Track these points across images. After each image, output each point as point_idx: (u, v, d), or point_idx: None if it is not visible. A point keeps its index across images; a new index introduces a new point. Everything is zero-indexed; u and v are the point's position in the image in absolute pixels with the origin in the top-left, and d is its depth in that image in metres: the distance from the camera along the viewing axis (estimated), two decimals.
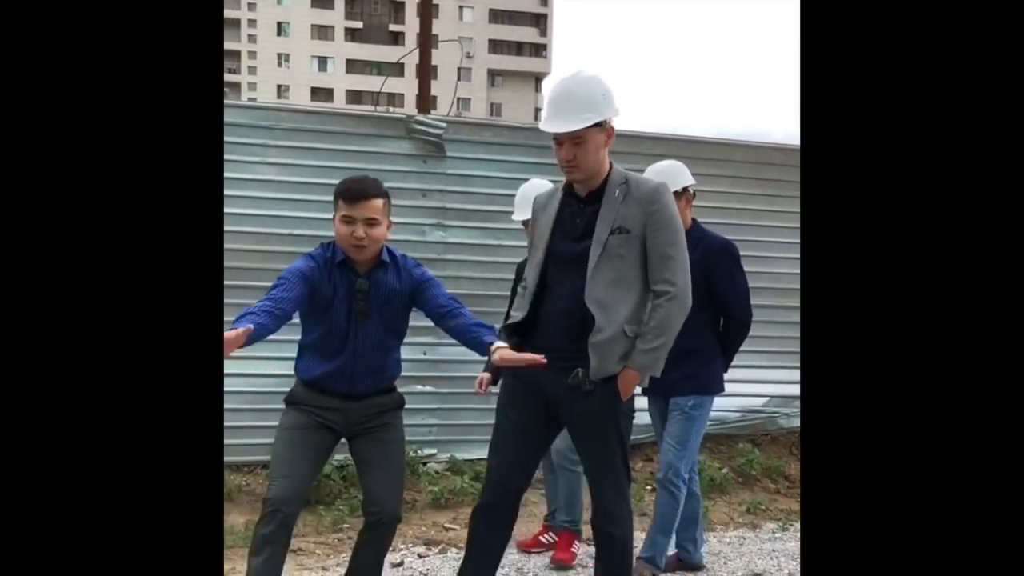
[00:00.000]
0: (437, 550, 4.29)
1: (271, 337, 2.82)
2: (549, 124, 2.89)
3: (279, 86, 63.64)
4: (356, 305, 3.03)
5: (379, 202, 2.99)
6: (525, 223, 3.85)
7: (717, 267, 3.73)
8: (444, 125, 5.34)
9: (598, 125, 2.85)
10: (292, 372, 3.22)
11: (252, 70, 64.61)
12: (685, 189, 3.84)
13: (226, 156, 4.99)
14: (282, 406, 3.18)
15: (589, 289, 2.83)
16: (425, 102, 6.00)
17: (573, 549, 4.20)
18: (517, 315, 2.99)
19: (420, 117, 5.41)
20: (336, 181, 3.11)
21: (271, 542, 2.90)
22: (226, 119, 5.08)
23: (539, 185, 3.96)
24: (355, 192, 2.97)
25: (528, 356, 2.75)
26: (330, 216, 3.07)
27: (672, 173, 3.83)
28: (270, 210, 5.07)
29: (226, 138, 5.05)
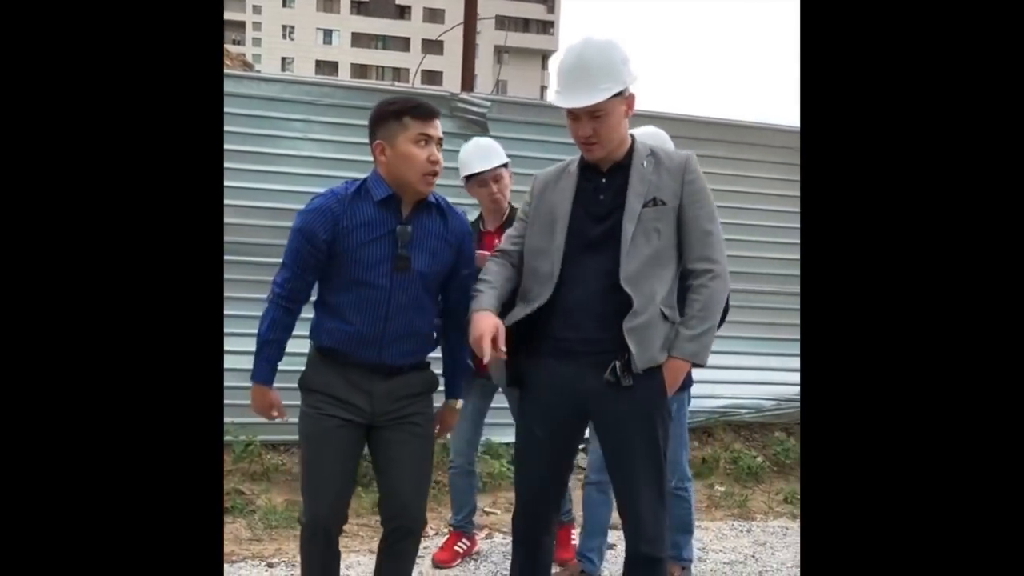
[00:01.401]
0: (483, 535, 4.25)
1: (305, 314, 2.67)
2: (563, 98, 2.54)
3: (283, 58, 63.17)
4: (396, 254, 2.58)
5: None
6: (468, 178, 3.66)
7: None
8: (488, 104, 5.26)
9: (619, 95, 2.54)
10: None
11: (256, 41, 64.11)
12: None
13: (266, 131, 4.99)
14: None
15: (624, 268, 2.50)
16: (469, 80, 5.92)
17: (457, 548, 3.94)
18: (534, 304, 2.60)
19: (464, 95, 5.33)
20: None
21: (322, 558, 2.70)
22: (266, 92, 5.04)
23: (486, 145, 3.71)
24: (429, 109, 2.57)
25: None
26: None
27: (659, 138, 3.54)
28: (312, 186, 5.00)
29: (266, 112, 5.01)
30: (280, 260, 2.66)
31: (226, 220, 4.81)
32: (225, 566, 3.73)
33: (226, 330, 5.14)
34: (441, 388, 2.91)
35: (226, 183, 4.84)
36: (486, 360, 2.46)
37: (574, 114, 2.54)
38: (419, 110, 2.55)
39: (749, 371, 5.82)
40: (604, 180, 2.61)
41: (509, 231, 2.79)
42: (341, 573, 2.81)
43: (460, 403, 2.93)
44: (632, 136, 2.66)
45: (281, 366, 2.72)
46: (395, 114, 2.55)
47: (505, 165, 3.69)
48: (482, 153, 3.66)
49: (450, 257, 2.69)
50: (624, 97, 2.56)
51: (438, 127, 2.59)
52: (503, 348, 2.45)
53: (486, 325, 2.48)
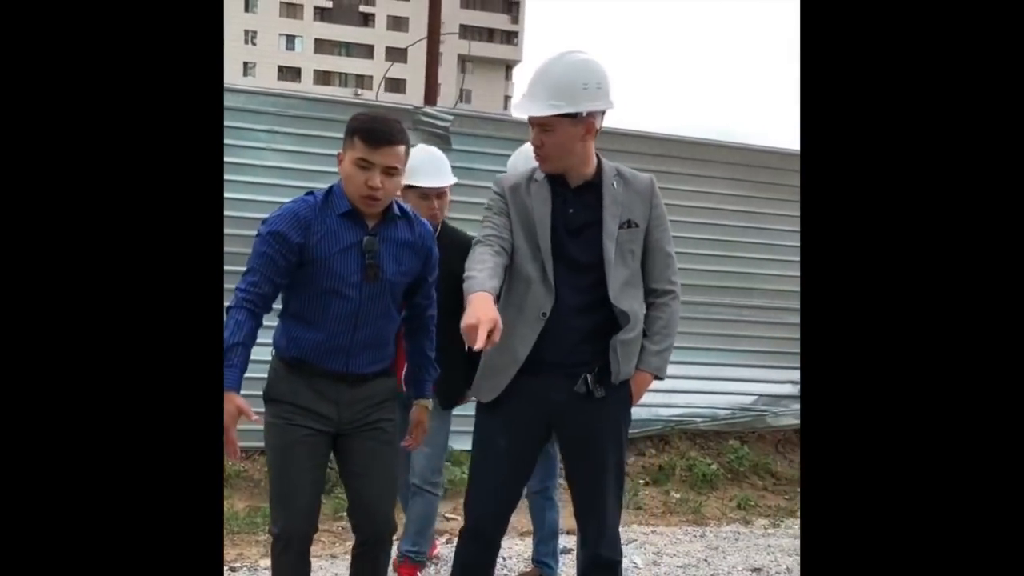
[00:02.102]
0: (443, 540, 4.33)
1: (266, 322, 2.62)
2: (518, 104, 2.58)
3: (245, 63, 62.75)
4: (365, 264, 2.59)
5: (401, 149, 2.56)
6: (410, 186, 3.36)
7: None
8: (451, 118, 5.35)
9: (571, 116, 2.51)
10: None
11: None
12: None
13: (230, 141, 5.02)
14: None
15: (611, 287, 2.57)
16: (432, 92, 6.00)
17: None
18: (541, 317, 2.58)
19: (427, 109, 5.42)
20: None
21: (295, 569, 2.72)
22: (229, 104, 5.08)
23: (440, 160, 3.52)
24: (381, 135, 2.52)
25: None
26: None
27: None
28: (274, 196, 5.05)
29: (229, 123, 5.05)
30: (243, 268, 2.63)
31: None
32: None
33: None
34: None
35: None
36: (476, 348, 2.23)
37: (529, 121, 2.57)
38: (369, 135, 2.52)
39: (705, 381, 5.98)
40: (573, 195, 2.63)
41: (493, 219, 2.67)
42: None
43: (430, 402, 2.96)
44: (598, 156, 2.68)
45: (250, 374, 2.74)
46: (350, 131, 2.56)
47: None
48: (435, 168, 3.50)
49: (417, 265, 2.73)
50: (580, 121, 2.53)
51: (389, 155, 2.53)
52: (495, 340, 2.28)
53: (485, 313, 2.26)
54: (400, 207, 2.72)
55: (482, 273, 2.45)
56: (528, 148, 3.34)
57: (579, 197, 2.63)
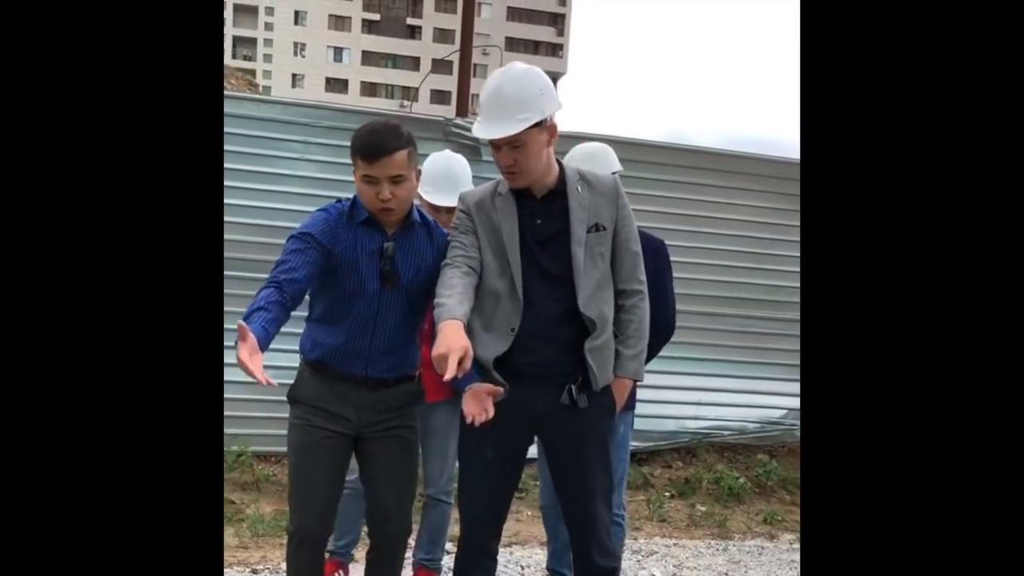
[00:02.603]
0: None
1: (293, 328, 2.61)
2: (482, 129, 2.56)
3: (294, 75, 63.72)
4: (382, 270, 2.65)
5: (403, 155, 2.55)
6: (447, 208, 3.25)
7: (649, 268, 3.11)
8: None
9: (537, 125, 2.53)
10: None
11: (268, 58, 64.67)
12: (613, 175, 3.34)
13: (269, 152, 5.14)
14: None
15: (581, 294, 2.58)
16: (464, 104, 6.08)
17: None
18: (508, 332, 2.59)
19: (458, 120, 5.49)
20: None
21: (308, 568, 2.76)
22: (266, 114, 5.20)
23: (456, 179, 3.43)
24: (373, 148, 2.54)
25: (489, 388, 2.47)
26: None
27: (604, 157, 3.46)
28: (307, 205, 5.14)
29: (267, 134, 5.17)
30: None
31: (224, 237, 4.99)
32: None
33: (224, 343, 5.23)
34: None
35: (226, 202, 5.02)
36: (447, 377, 2.29)
37: (495, 144, 2.55)
38: (365, 150, 2.55)
39: (734, 393, 5.95)
40: (539, 205, 2.63)
41: (459, 239, 2.68)
42: None
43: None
44: (559, 162, 2.68)
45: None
46: (352, 149, 2.59)
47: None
48: (448, 184, 3.40)
49: (436, 272, 2.69)
50: (545, 127, 2.56)
51: (388, 165, 2.54)
52: (467, 367, 2.33)
53: (455, 342, 2.33)
54: (421, 214, 2.77)
55: (451, 300, 2.48)
56: (580, 151, 3.46)
57: (545, 207, 2.63)
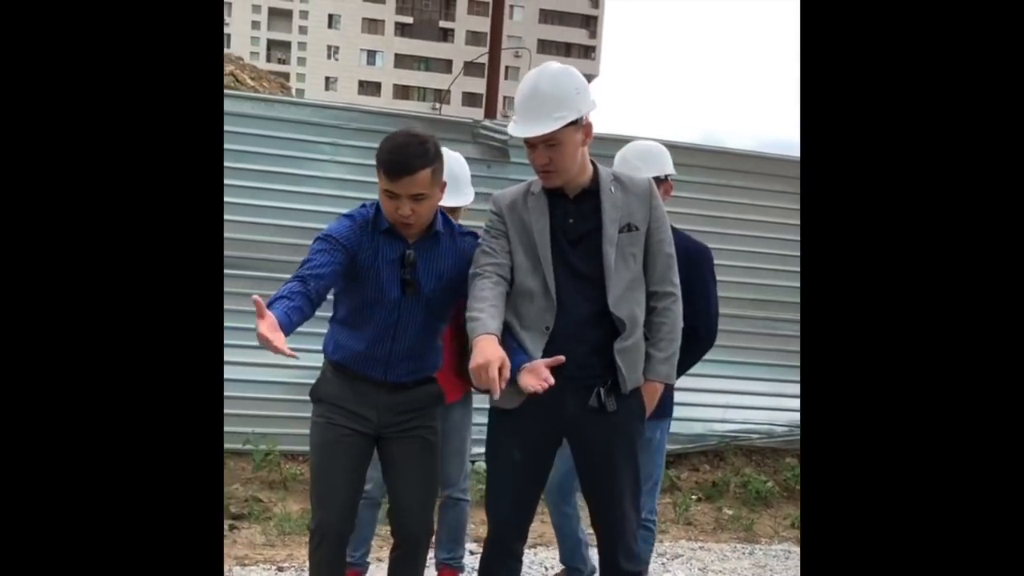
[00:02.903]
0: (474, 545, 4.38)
1: (317, 328, 2.66)
2: (518, 128, 2.57)
3: (327, 78, 64.20)
4: (402, 279, 2.67)
5: (426, 173, 2.54)
6: None
7: (694, 274, 3.15)
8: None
9: (573, 124, 2.54)
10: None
11: (302, 61, 65.22)
12: (667, 177, 3.39)
13: (298, 153, 5.19)
14: None
15: (611, 294, 2.56)
16: (492, 107, 6.11)
17: None
18: (543, 331, 2.59)
19: (486, 122, 5.51)
20: None
21: (330, 565, 2.79)
22: (297, 116, 5.25)
23: (464, 180, 3.41)
24: (396, 165, 2.53)
25: (547, 360, 2.47)
26: None
27: (658, 157, 3.39)
28: (340, 208, 5.19)
29: (298, 136, 5.22)
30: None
31: (254, 238, 5.06)
32: (237, 569, 3.89)
33: (254, 343, 5.28)
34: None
35: (256, 203, 5.09)
36: (493, 391, 2.34)
37: (531, 143, 2.56)
38: (387, 167, 2.54)
39: (763, 396, 5.91)
40: (572, 205, 2.63)
41: (489, 244, 2.69)
42: None
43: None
44: (593, 162, 2.68)
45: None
46: (377, 161, 2.58)
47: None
48: (454, 185, 3.27)
49: (459, 279, 2.73)
50: (580, 125, 2.57)
51: (410, 184, 2.54)
52: (507, 376, 2.37)
53: (493, 353, 2.37)
54: (445, 219, 2.77)
55: (484, 313, 2.49)
56: (630, 150, 3.43)
57: (578, 206, 2.63)
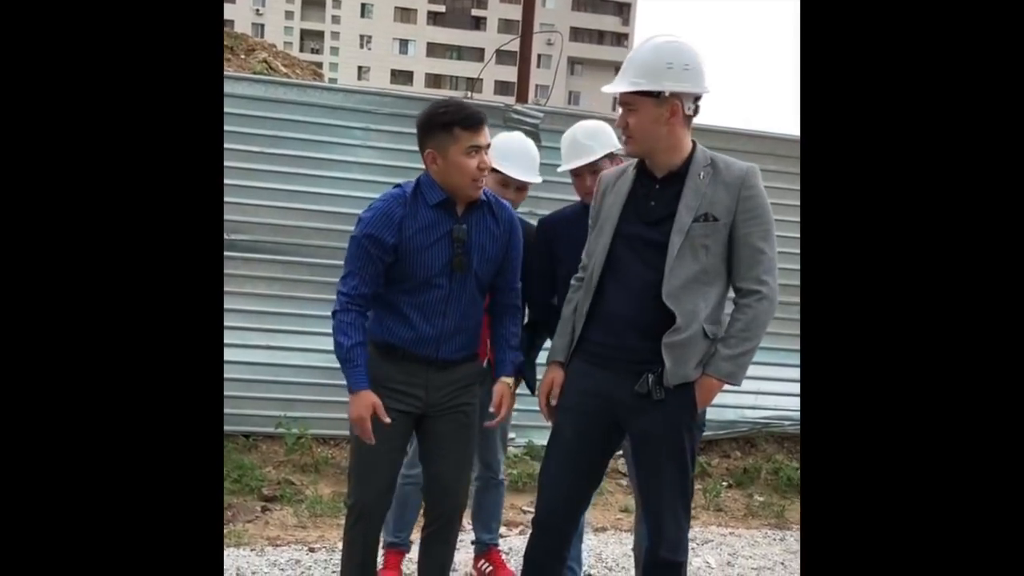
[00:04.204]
0: (517, 531, 4.40)
1: None
2: (608, 85, 2.58)
3: (360, 67, 64.33)
4: (454, 254, 2.68)
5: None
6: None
7: None
8: (541, 115, 5.40)
9: (653, 96, 2.49)
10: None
11: (334, 51, 65.41)
12: (612, 155, 3.18)
13: (329, 138, 5.21)
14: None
15: (667, 283, 2.48)
16: (524, 91, 6.10)
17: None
18: (572, 306, 2.70)
19: (518, 106, 5.50)
20: None
21: (364, 540, 2.84)
22: (329, 102, 5.27)
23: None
24: (475, 117, 2.61)
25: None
26: None
27: (610, 134, 3.22)
28: (371, 192, 5.21)
29: (329, 121, 5.24)
30: (336, 263, 2.80)
31: (287, 223, 5.09)
32: (269, 550, 3.95)
33: (287, 328, 5.29)
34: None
35: (289, 187, 5.12)
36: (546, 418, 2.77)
37: (620, 103, 2.56)
38: (468, 121, 2.59)
39: (794, 383, 5.84)
40: (657, 187, 2.58)
41: (589, 236, 2.76)
42: None
43: (511, 380, 2.92)
44: (695, 144, 2.60)
45: (330, 363, 2.85)
46: (445, 125, 2.59)
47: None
48: (528, 162, 3.38)
49: (501, 250, 2.78)
50: (663, 101, 2.49)
51: (487, 134, 2.63)
52: (556, 397, 2.70)
53: (554, 375, 2.73)
54: (486, 192, 2.77)
55: (561, 340, 2.74)
56: (579, 130, 3.26)
57: (662, 189, 2.57)
